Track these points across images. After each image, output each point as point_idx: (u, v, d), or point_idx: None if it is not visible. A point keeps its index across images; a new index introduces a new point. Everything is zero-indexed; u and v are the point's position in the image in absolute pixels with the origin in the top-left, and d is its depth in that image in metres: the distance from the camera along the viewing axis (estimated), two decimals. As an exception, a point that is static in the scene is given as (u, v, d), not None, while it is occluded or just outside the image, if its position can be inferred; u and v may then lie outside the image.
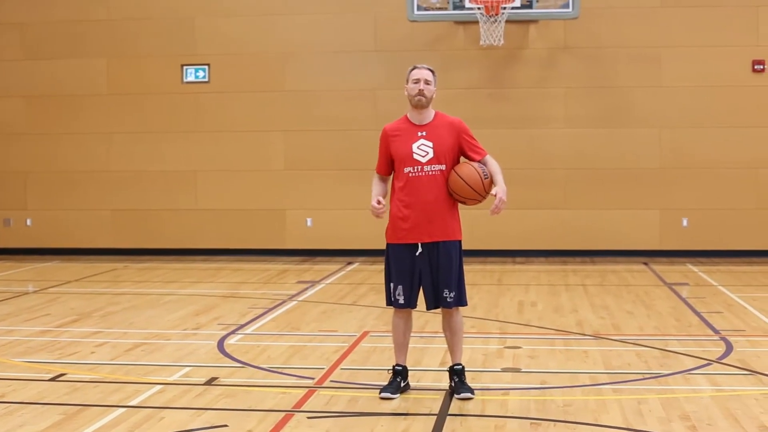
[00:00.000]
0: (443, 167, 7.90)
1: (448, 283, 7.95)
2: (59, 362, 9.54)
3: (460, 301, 8.02)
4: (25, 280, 16.32)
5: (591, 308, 12.69)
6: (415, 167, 7.90)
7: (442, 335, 8.31)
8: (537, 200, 18.54)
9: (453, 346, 8.13)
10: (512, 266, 17.54)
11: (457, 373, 8.04)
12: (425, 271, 7.96)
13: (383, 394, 7.93)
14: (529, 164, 18.51)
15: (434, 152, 7.90)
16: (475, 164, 7.93)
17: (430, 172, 7.88)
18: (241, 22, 19.18)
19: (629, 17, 18.49)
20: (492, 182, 7.89)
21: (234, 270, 17.15)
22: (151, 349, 10.14)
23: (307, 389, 8.28)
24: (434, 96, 8.04)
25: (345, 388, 8.37)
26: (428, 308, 8.09)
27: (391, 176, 8.17)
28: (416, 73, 8.03)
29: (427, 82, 7.97)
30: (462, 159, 8.08)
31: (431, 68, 8.11)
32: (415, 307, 8.08)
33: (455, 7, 17.68)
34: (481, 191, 7.86)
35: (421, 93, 7.95)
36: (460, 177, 7.85)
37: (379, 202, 7.95)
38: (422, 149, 7.92)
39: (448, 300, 7.96)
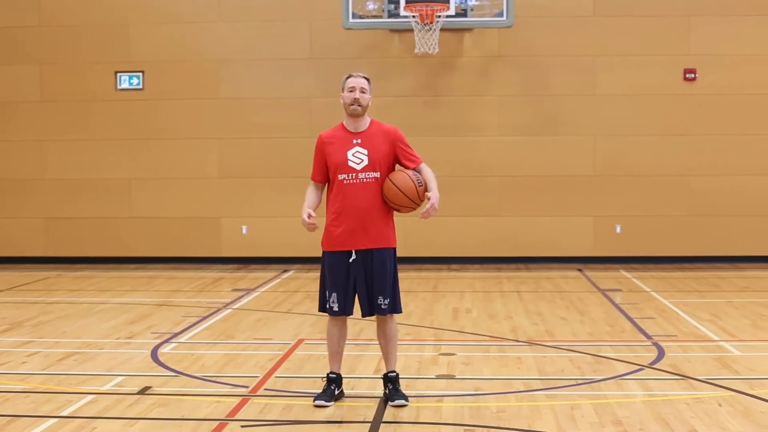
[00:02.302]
0: (378, 175, 7.92)
1: (383, 291, 7.96)
2: (-11, 372, 9.43)
3: (395, 308, 8.04)
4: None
5: (525, 315, 12.76)
6: (350, 174, 7.91)
7: (377, 342, 8.32)
8: (472, 208, 18.63)
9: (387, 354, 8.14)
10: (447, 273, 17.59)
11: (391, 381, 8.05)
12: (360, 279, 7.97)
13: (317, 402, 7.92)
14: (464, 172, 18.60)
15: (369, 160, 7.91)
16: (410, 172, 7.96)
17: (365, 180, 7.89)
18: (176, 29, 19.06)
19: (563, 26, 18.65)
20: (426, 190, 7.91)
21: (168, 278, 17.04)
22: (83, 359, 10.04)
23: (241, 398, 8.24)
24: (370, 104, 8.05)
25: (279, 396, 8.35)
26: (363, 315, 8.10)
27: (326, 184, 8.17)
28: (351, 82, 8.04)
29: (362, 91, 7.99)
30: (397, 167, 8.10)
31: (366, 76, 8.12)
32: (350, 314, 8.08)
33: (390, 15, 17.72)
34: (415, 199, 7.88)
35: (356, 102, 7.96)
36: (394, 184, 7.87)
37: (309, 216, 7.94)
38: (357, 156, 7.93)
39: (383, 307, 7.97)
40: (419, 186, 7.87)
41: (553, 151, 18.71)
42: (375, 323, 8.23)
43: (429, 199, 7.84)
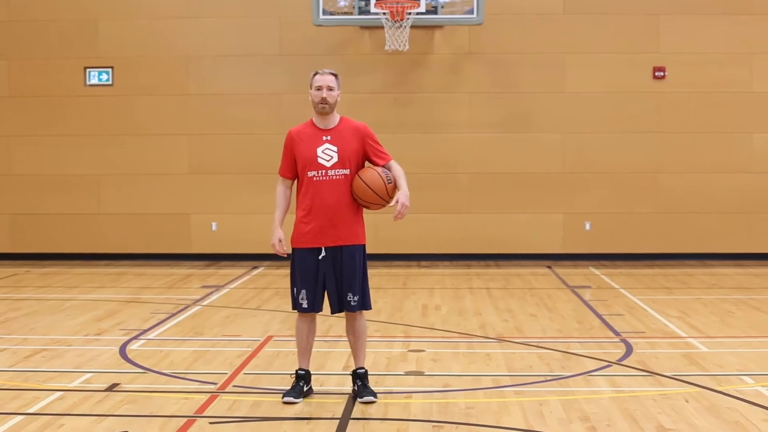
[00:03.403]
0: (347, 171, 7.92)
1: (352, 287, 7.97)
2: (-44, 369, 9.38)
3: (364, 305, 8.05)
4: None
5: (495, 311, 12.80)
6: (320, 171, 7.90)
7: (346, 339, 8.33)
8: (442, 205, 18.65)
9: (356, 350, 8.15)
10: (417, 270, 17.61)
11: (360, 377, 8.06)
12: (329, 275, 7.97)
13: (286, 399, 7.92)
14: (434, 169, 18.61)
15: (339, 156, 7.91)
16: (379, 169, 7.96)
17: (335, 177, 7.89)
18: (145, 25, 18.98)
19: (533, 24, 18.70)
20: (396, 187, 7.92)
21: (137, 275, 16.97)
22: (51, 356, 10.00)
23: (209, 394, 8.23)
24: (338, 100, 8.05)
25: (248, 393, 8.34)
26: (332, 312, 8.10)
27: (295, 181, 8.16)
28: (318, 80, 8.02)
29: (329, 88, 7.98)
30: (367, 164, 8.10)
31: (334, 72, 8.12)
32: (319, 311, 8.08)
33: (361, 12, 17.71)
34: (385, 196, 7.89)
35: (324, 100, 7.96)
36: (363, 182, 7.87)
37: (280, 241, 7.98)
38: (327, 153, 7.92)
39: (352, 304, 7.98)
40: (389, 183, 7.88)
41: (523, 149, 18.75)
42: (344, 320, 8.23)
43: (399, 199, 7.84)
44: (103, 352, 10.14)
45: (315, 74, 8.06)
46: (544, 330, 11.43)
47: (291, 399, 7.92)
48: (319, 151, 7.94)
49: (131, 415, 7.61)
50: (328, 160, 7.91)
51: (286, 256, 8.06)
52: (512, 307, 13.14)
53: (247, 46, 18.88)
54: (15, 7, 19.12)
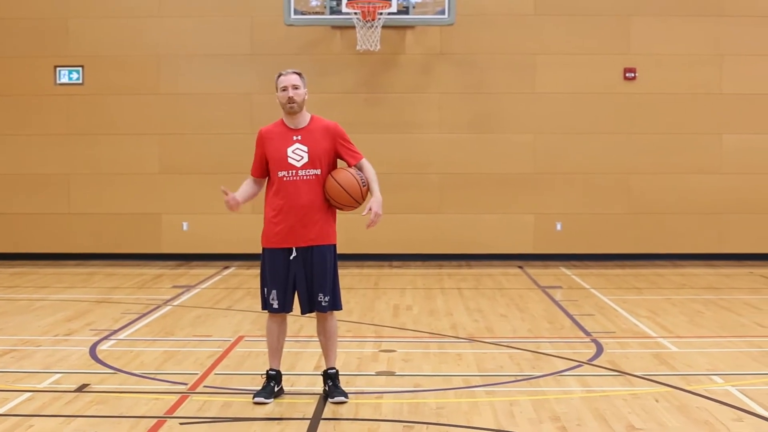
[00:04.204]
0: (318, 172, 7.91)
1: (323, 287, 7.96)
2: (-76, 370, 9.31)
3: (335, 305, 8.05)
4: None
5: (466, 311, 12.82)
6: (290, 171, 7.89)
7: (317, 339, 8.33)
8: (413, 205, 18.65)
9: (327, 350, 8.15)
10: (389, 270, 17.61)
11: (331, 377, 8.05)
12: (300, 276, 7.96)
13: (257, 399, 7.91)
14: (405, 169, 18.61)
15: (309, 156, 7.90)
16: (353, 170, 7.95)
17: (305, 177, 7.88)
18: (115, 23, 18.89)
19: (504, 24, 18.72)
20: (369, 189, 7.93)
21: (108, 275, 16.89)
22: (20, 356, 9.94)
23: (180, 395, 8.21)
24: (306, 98, 8.04)
25: (218, 393, 8.32)
26: (303, 312, 8.09)
27: (266, 180, 8.15)
28: (283, 81, 8.01)
29: (295, 87, 7.96)
30: (339, 163, 8.09)
31: (297, 71, 8.10)
32: (290, 311, 8.07)
33: (332, 12, 17.70)
34: (359, 198, 7.90)
35: (291, 99, 7.94)
36: (338, 183, 7.87)
37: (226, 193, 8.04)
38: (297, 153, 7.91)
39: (323, 304, 7.98)
40: (363, 186, 7.88)
41: (494, 149, 18.78)
42: (315, 320, 8.23)
43: (372, 207, 7.83)
44: (72, 353, 10.09)
45: (279, 76, 8.04)
46: (515, 330, 11.45)
47: (262, 399, 7.91)
48: (289, 151, 7.93)
49: (101, 415, 7.58)
50: (298, 161, 7.90)
51: (235, 207, 8.11)
52: (483, 307, 13.16)
53: (218, 45, 18.82)
54: (-16, 6, 19.02)
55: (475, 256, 18.78)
